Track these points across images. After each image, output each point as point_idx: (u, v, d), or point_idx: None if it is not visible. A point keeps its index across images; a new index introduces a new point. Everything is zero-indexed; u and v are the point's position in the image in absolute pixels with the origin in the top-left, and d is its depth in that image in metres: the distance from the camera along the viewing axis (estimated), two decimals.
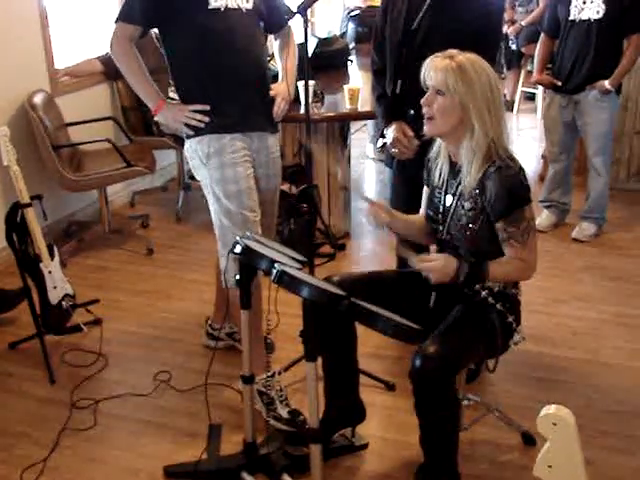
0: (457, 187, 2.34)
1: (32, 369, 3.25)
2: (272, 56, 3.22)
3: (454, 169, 2.37)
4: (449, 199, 2.38)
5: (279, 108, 2.94)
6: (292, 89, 3.06)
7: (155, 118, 2.93)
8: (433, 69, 2.22)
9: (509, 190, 2.19)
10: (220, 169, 2.79)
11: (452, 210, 2.36)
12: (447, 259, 2.24)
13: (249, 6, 2.79)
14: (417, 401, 2.22)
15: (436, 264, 2.22)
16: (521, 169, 2.24)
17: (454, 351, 2.20)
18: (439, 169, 2.43)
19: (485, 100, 2.19)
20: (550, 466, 1.37)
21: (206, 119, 2.78)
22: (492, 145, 2.21)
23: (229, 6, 2.72)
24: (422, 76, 2.28)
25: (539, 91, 7.30)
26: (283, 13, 3.02)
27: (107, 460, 2.70)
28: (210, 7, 2.69)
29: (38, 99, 4.23)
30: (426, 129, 2.32)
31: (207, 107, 2.77)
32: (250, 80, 2.85)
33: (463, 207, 2.31)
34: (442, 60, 2.21)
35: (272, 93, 2.94)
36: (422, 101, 2.28)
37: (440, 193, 2.43)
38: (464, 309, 2.36)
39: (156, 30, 4.65)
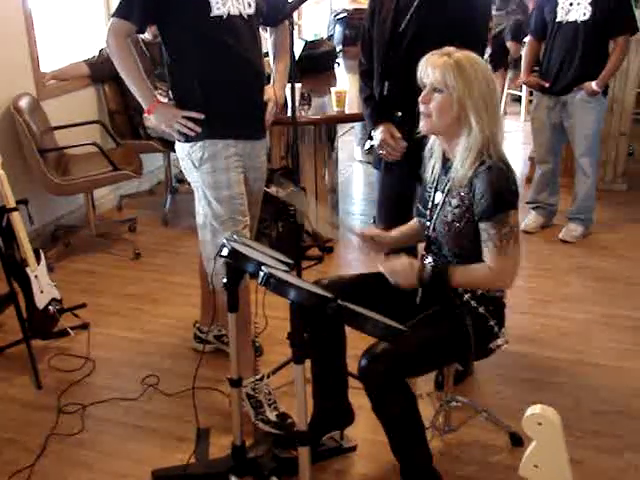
0: (447, 183, 2.34)
1: (19, 374, 3.23)
2: (266, 54, 3.19)
3: (446, 166, 2.37)
4: (438, 196, 2.38)
5: (270, 114, 2.93)
6: (283, 92, 3.04)
7: (145, 115, 2.90)
8: (431, 66, 2.21)
9: (496, 192, 2.18)
10: (213, 174, 2.77)
11: (440, 206, 2.36)
12: (410, 262, 2.27)
13: (251, 12, 2.73)
14: (369, 400, 2.24)
15: (397, 265, 2.27)
16: (512, 173, 2.23)
17: (404, 352, 2.19)
18: (432, 166, 2.43)
19: (482, 97, 2.18)
20: (536, 466, 1.37)
21: (198, 129, 2.74)
22: (487, 143, 2.20)
23: (231, 13, 2.66)
24: (419, 74, 2.26)
25: (524, 93, 7.34)
26: (282, 7, 2.94)
27: (95, 465, 2.69)
28: (212, 15, 2.63)
29: (24, 103, 4.21)
30: (422, 126, 2.31)
31: (202, 116, 2.73)
32: (249, 88, 2.82)
33: (450, 204, 2.31)
34: (440, 57, 2.20)
35: (264, 98, 2.92)
36: (419, 99, 2.27)
37: (431, 189, 2.43)
38: (437, 311, 2.36)
39: (146, 35, 4.66)
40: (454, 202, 2.29)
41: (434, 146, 2.42)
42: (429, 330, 2.30)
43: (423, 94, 2.26)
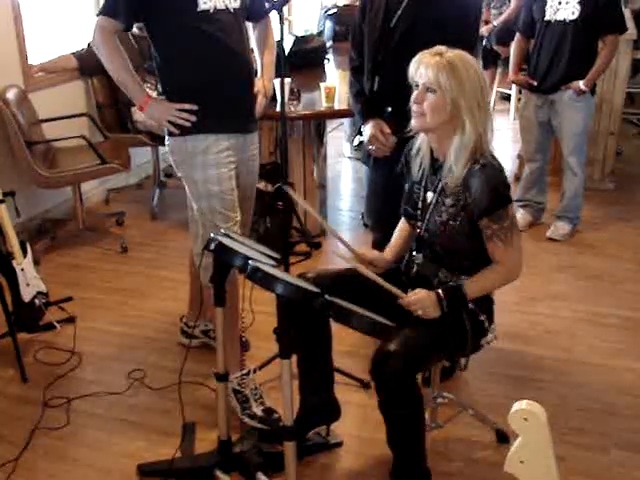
0: (438, 183, 2.34)
1: (4, 367, 3.21)
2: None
3: (435, 165, 2.37)
4: (430, 195, 2.38)
5: (260, 106, 2.92)
6: (271, 84, 3.03)
7: (133, 109, 2.88)
8: (424, 66, 2.21)
9: (494, 188, 2.20)
10: (204, 169, 2.75)
11: (432, 206, 2.36)
12: (427, 294, 2.26)
13: (237, 5, 2.72)
14: (379, 398, 2.23)
15: (418, 302, 2.25)
16: (503, 169, 2.26)
17: (416, 348, 2.20)
18: (418, 165, 2.43)
19: (475, 96, 2.19)
20: (522, 461, 1.37)
21: (192, 118, 2.71)
22: (479, 141, 2.22)
23: (218, 7, 2.65)
24: (410, 73, 2.26)
25: (513, 91, 7.36)
26: (266, 2, 2.93)
27: (80, 459, 2.68)
28: (199, 9, 2.61)
29: (11, 95, 4.18)
30: (414, 124, 2.31)
31: (194, 107, 2.71)
32: (238, 81, 2.80)
33: (444, 203, 2.31)
34: (432, 57, 2.20)
35: (254, 90, 2.91)
36: (412, 99, 2.27)
37: (419, 189, 2.43)
38: None
39: (135, 29, 4.63)
40: (448, 201, 2.30)
41: (422, 145, 2.41)
42: (432, 327, 2.29)
43: (416, 94, 2.25)
